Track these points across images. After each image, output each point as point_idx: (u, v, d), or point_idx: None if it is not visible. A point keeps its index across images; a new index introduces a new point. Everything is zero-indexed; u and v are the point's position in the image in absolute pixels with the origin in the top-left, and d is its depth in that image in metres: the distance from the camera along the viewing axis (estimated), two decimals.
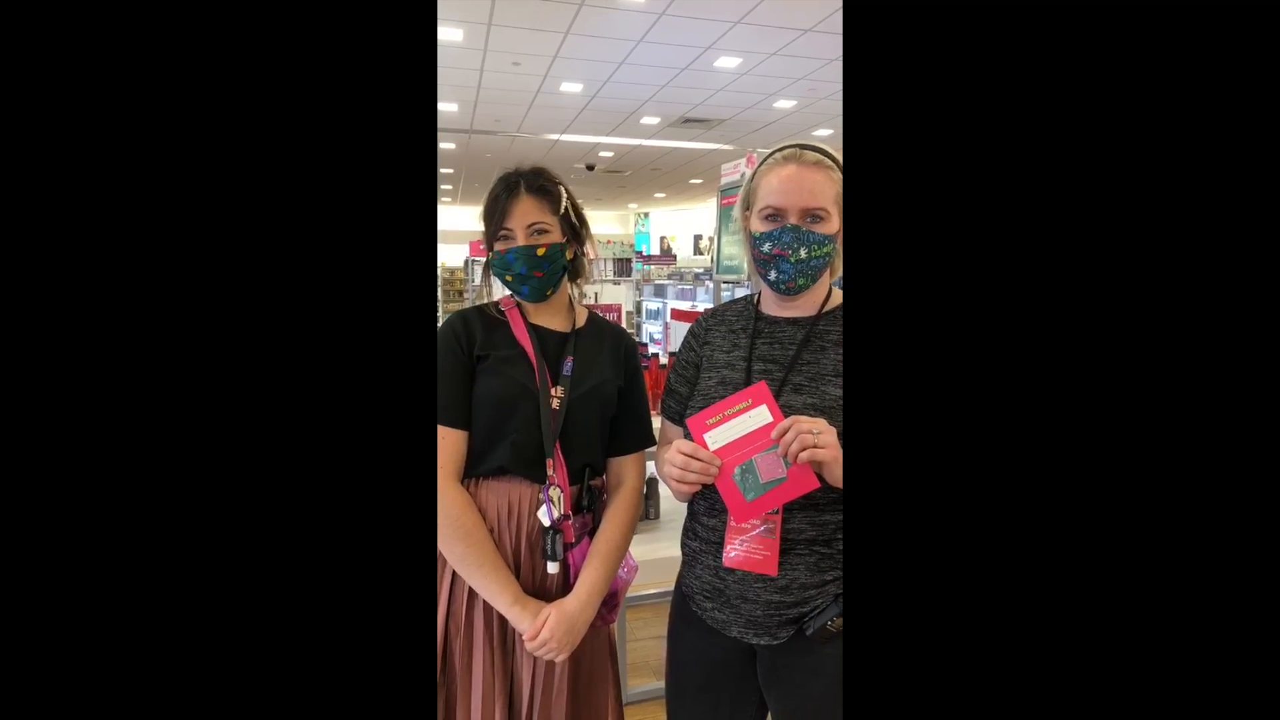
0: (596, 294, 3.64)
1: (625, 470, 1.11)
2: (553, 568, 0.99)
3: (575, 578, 1.01)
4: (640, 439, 1.12)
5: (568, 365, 1.04)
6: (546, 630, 0.95)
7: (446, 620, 0.99)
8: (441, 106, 6.85)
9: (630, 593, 2.08)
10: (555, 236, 1.04)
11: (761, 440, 0.88)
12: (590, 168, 10.27)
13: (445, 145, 8.44)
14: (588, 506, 1.05)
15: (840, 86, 6.02)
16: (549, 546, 0.98)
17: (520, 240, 1.01)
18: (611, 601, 1.07)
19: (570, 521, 1.01)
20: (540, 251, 1.01)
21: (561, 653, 0.97)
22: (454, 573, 0.99)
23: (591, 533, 1.05)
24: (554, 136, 7.86)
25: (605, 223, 16.96)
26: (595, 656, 1.08)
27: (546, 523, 0.98)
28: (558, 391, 1.01)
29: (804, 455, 0.84)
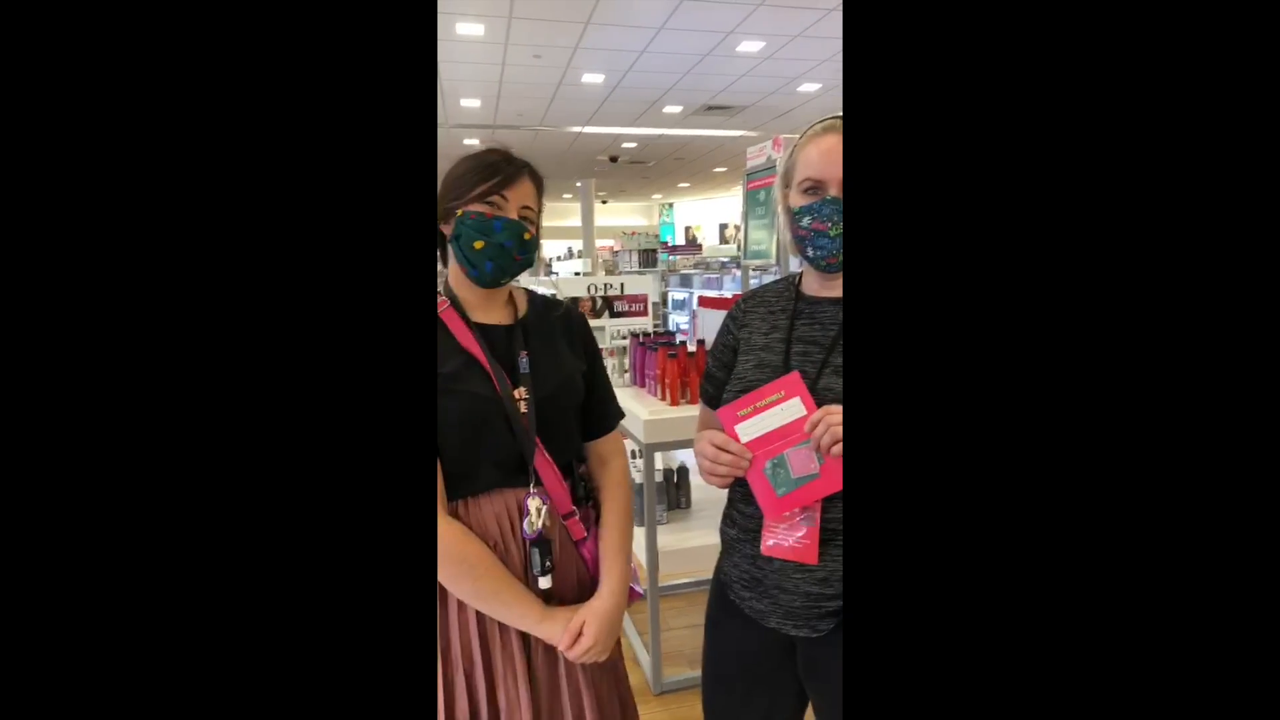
0: (622, 285, 3.63)
1: (606, 451, 1.06)
2: (544, 583, 0.93)
3: (593, 571, 0.99)
4: (612, 416, 1.07)
5: (523, 362, 0.96)
6: (587, 637, 0.92)
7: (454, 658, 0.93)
8: (464, 103, 6.89)
9: (662, 582, 2.09)
10: (535, 230, 0.98)
11: (794, 434, 0.85)
12: (614, 159, 10.24)
13: (469, 141, 8.48)
14: (585, 497, 1.01)
15: None
16: (538, 561, 0.92)
17: (512, 214, 0.94)
18: (633, 578, 1.06)
19: (576, 517, 0.98)
20: (527, 235, 0.95)
21: (604, 653, 0.94)
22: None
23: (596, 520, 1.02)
24: (577, 129, 7.85)
25: (629, 214, 16.92)
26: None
27: (532, 536, 0.93)
28: (521, 393, 0.94)
29: (836, 449, 0.81)
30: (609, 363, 2.79)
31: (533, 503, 0.93)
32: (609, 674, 1.01)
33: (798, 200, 0.92)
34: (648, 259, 7.78)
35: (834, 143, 0.90)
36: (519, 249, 0.94)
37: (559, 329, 1.03)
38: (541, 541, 0.93)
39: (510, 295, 1.03)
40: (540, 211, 1.00)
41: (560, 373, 0.99)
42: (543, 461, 0.94)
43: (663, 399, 2.00)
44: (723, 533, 1.02)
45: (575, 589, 0.98)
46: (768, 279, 3.05)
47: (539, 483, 0.94)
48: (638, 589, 1.06)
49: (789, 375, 0.87)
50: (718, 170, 11.81)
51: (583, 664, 0.95)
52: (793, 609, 0.90)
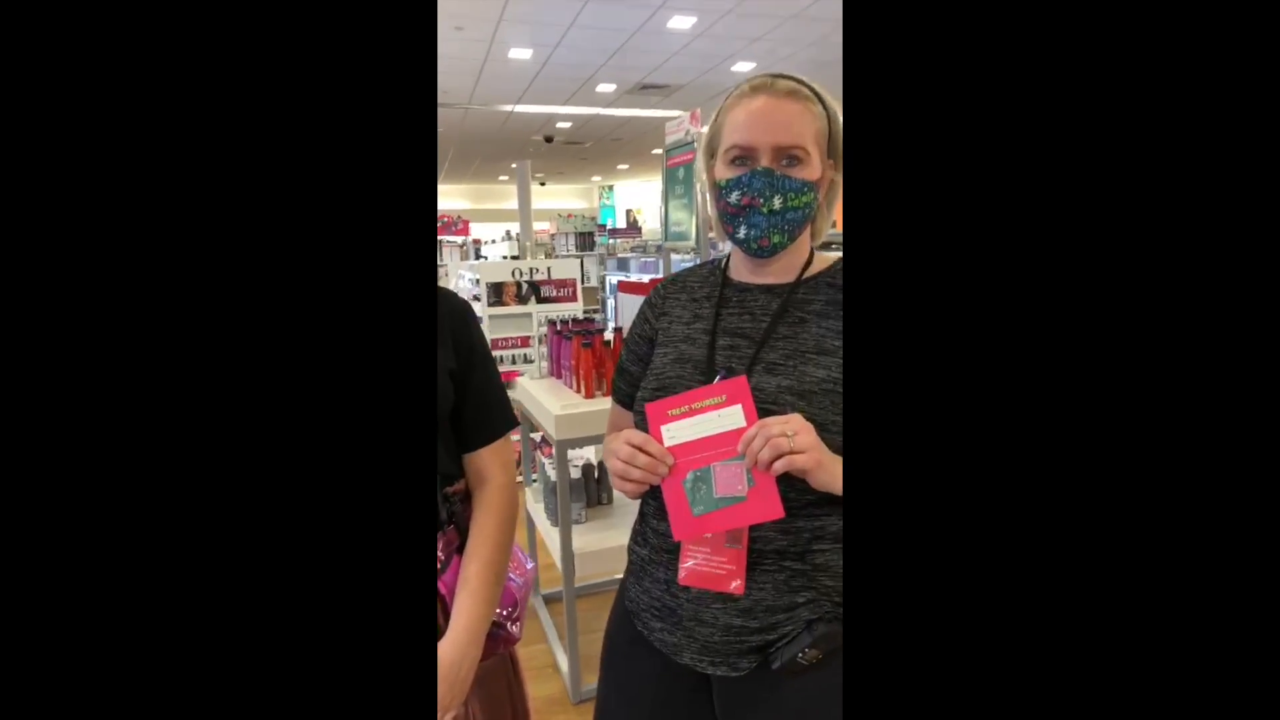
0: (549, 269, 3.50)
1: (485, 465, 0.90)
2: None
3: (452, 606, 0.85)
4: (496, 424, 0.91)
5: None
6: None
7: None
8: None
9: (580, 582, 1.98)
10: None
11: (728, 447, 0.72)
12: (549, 139, 9.97)
13: None
14: (448, 520, 0.87)
15: (799, 48, 5.90)
16: None
17: None
18: (513, 615, 0.91)
19: None
20: None
21: (450, 708, 0.80)
22: None
23: (460, 548, 0.87)
24: (508, 108, 7.59)
25: (569, 197, 16.63)
26: (493, 691, 0.92)
27: None
28: None
29: (779, 465, 0.67)
30: (535, 352, 2.65)
31: None
32: None
33: (724, 173, 0.78)
34: (585, 242, 7.60)
35: (765, 104, 0.75)
36: None
37: None
38: None
39: None
40: None
41: None
42: None
43: (578, 391, 1.88)
44: (631, 552, 0.88)
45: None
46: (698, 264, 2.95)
47: None
48: (513, 630, 0.91)
49: (736, 379, 0.73)
50: (655, 151, 11.69)
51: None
52: (711, 644, 0.76)
